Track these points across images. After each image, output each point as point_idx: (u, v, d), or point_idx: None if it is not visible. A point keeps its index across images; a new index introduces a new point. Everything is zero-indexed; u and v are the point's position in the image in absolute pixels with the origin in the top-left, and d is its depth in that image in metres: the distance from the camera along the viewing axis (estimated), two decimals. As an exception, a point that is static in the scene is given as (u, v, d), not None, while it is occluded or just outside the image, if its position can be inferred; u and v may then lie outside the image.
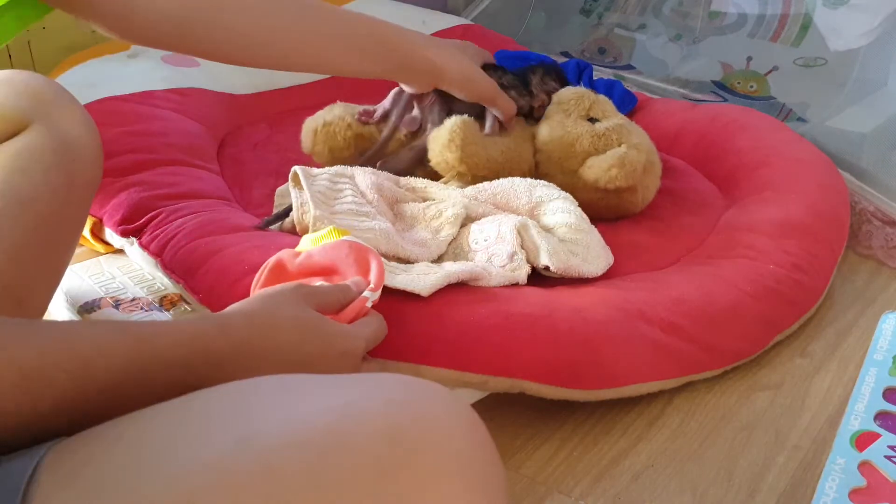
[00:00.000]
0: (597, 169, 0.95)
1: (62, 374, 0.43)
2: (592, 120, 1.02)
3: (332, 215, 0.81)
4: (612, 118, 1.02)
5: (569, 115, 1.02)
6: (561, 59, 1.49)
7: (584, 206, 0.90)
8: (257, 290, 0.67)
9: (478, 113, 0.98)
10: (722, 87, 1.46)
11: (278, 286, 0.61)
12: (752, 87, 1.44)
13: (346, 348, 0.60)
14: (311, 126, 1.01)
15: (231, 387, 0.43)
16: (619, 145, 0.98)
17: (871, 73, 1.27)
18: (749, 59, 1.46)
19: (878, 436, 0.67)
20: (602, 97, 1.06)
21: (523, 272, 0.82)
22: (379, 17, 1.67)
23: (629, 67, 1.60)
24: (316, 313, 0.60)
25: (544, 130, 1.01)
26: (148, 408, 0.43)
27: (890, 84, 1.26)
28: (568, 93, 1.05)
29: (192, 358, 0.49)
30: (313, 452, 0.37)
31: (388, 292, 0.75)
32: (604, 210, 0.98)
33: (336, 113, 1.02)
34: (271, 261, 0.68)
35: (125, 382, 0.46)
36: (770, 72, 1.43)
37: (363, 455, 0.37)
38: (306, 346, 0.57)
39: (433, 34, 1.53)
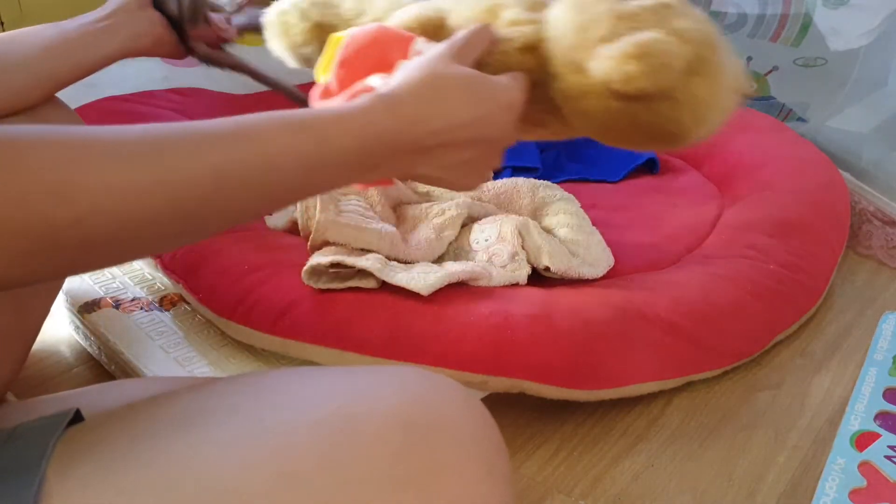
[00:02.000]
0: (607, 61, 0.58)
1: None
2: None
3: (338, 215, 0.81)
4: None
5: None
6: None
7: (601, 122, 0.61)
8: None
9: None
10: (722, 87, 1.46)
11: (430, 52, 0.55)
12: (751, 87, 1.44)
13: (511, 100, 0.56)
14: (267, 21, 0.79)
15: (248, 375, 0.44)
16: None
17: (871, 73, 1.27)
18: (749, 59, 1.45)
19: (878, 436, 0.67)
20: None
21: (524, 272, 0.82)
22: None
23: (629, 67, 1.60)
24: (474, 71, 0.55)
25: (556, 10, 0.63)
26: (163, 393, 0.43)
27: (890, 84, 1.25)
28: None
29: (365, 143, 0.48)
30: (326, 434, 0.37)
31: (389, 291, 0.75)
32: (631, 131, 0.61)
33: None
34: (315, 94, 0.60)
35: (305, 183, 0.46)
36: (770, 72, 1.43)
37: (375, 438, 0.37)
38: (475, 106, 0.53)
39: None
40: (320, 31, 0.74)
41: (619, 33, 0.60)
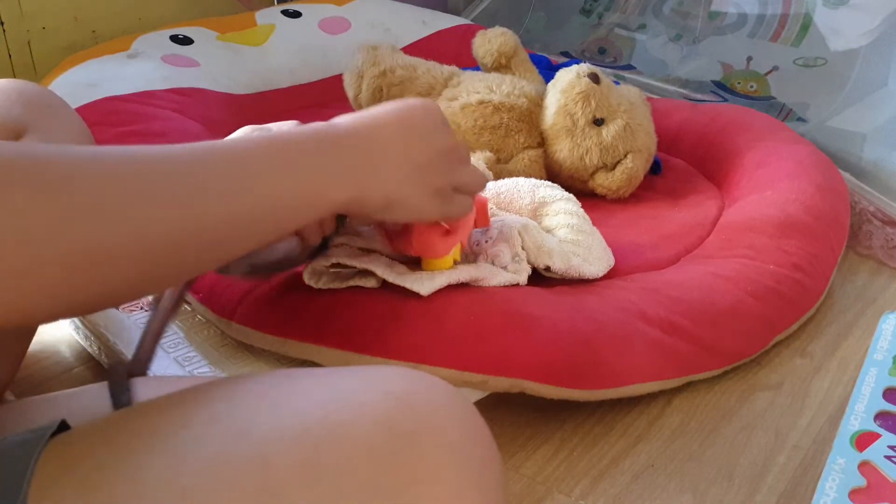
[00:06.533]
0: (607, 187, 1.07)
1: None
2: (598, 121, 1.05)
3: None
4: (617, 112, 1.06)
5: (576, 122, 1.05)
6: (561, 59, 1.49)
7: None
8: None
9: None
10: (722, 87, 1.46)
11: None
12: (752, 87, 1.44)
13: (447, 145, 0.60)
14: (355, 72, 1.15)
15: (230, 381, 0.44)
16: (625, 155, 1.06)
17: (871, 73, 1.28)
18: (749, 59, 1.46)
19: (878, 436, 0.67)
20: (603, 85, 1.06)
21: (524, 273, 0.82)
22: (379, 17, 1.66)
23: (629, 67, 1.60)
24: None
25: (557, 148, 1.08)
26: (147, 402, 0.43)
27: (890, 84, 1.26)
28: (571, 94, 1.05)
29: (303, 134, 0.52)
30: (308, 444, 0.37)
31: (389, 291, 0.75)
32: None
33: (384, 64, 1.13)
34: None
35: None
36: (770, 72, 1.43)
37: (358, 446, 0.37)
38: (410, 147, 0.58)
39: (433, 34, 1.52)
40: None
41: (606, 162, 1.06)
